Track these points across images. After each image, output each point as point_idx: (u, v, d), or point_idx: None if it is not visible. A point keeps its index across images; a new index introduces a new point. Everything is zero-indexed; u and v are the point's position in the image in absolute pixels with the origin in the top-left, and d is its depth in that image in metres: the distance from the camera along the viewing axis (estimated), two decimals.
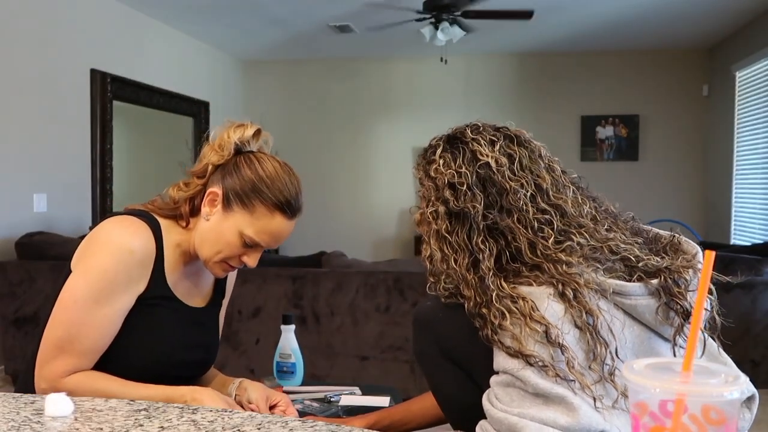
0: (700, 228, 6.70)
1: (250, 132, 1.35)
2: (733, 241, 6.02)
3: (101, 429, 0.91)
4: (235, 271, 1.56)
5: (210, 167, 1.34)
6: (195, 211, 1.35)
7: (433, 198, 1.12)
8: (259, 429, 0.91)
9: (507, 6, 5.01)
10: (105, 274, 1.24)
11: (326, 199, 7.46)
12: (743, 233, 5.87)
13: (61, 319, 1.25)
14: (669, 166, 6.93)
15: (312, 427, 0.92)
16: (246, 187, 1.30)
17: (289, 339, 1.72)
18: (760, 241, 5.07)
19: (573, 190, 1.11)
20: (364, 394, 1.64)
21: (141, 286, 1.29)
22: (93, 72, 4.77)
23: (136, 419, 0.95)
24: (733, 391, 0.56)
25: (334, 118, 7.46)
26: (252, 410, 1.35)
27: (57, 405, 0.97)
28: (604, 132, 6.99)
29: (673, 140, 6.92)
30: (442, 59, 5.93)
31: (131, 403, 1.04)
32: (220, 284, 1.50)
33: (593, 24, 5.85)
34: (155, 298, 1.31)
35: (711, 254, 0.61)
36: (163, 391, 1.23)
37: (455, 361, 1.13)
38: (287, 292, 3.48)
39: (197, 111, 6.39)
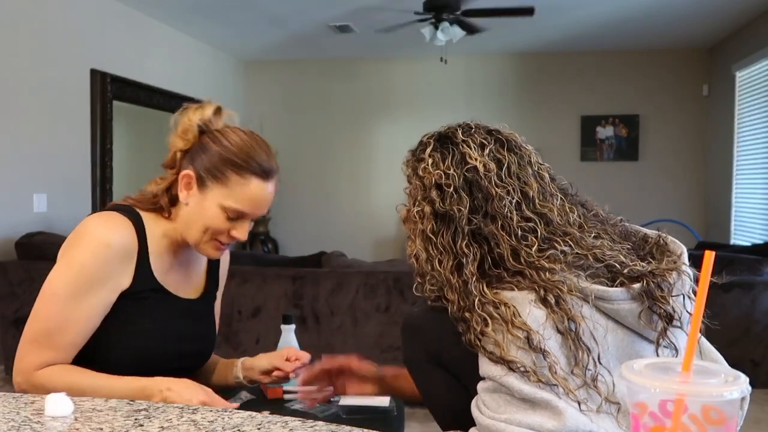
0: (700, 228, 6.70)
1: (209, 111, 1.36)
2: (733, 241, 6.02)
3: (101, 429, 0.91)
4: (227, 262, 1.56)
5: (179, 154, 1.35)
6: (174, 201, 1.36)
7: (419, 197, 1.12)
8: (259, 429, 0.91)
9: (508, 5, 5.01)
10: (82, 268, 1.25)
11: (326, 199, 7.46)
12: (743, 233, 5.87)
13: (39, 313, 1.26)
14: (669, 166, 6.93)
15: (312, 427, 0.92)
16: (215, 161, 1.30)
17: (289, 339, 1.71)
18: (760, 241, 5.07)
19: (560, 198, 1.10)
20: None
21: (125, 281, 1.29)
22: (93, 72, 4.77)
23: (136, 419, 0.95)
24: (733, 391, 0.56)
25: (334, 118, 7.46)
26: (279, 377, 1.43)
27: (57, 405, 0.97)
28: (604, 132, 6.99)
29: (673, 140, 6.91)
30: (442, 59, 5.93)
31: (131, 403, 1.04)
32: (212, 275, 1.50)
33: (593, 24, 5.85)
34: (143, 291, 1.31)
35: (711, 254, 0.61)
36: (136, 383, 1.24)
37: (444, 366, 1.13)
38: (287, 292, 3.48)
39: None
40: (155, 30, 5.71)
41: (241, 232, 1.34)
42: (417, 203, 1.12)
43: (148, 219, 1.34)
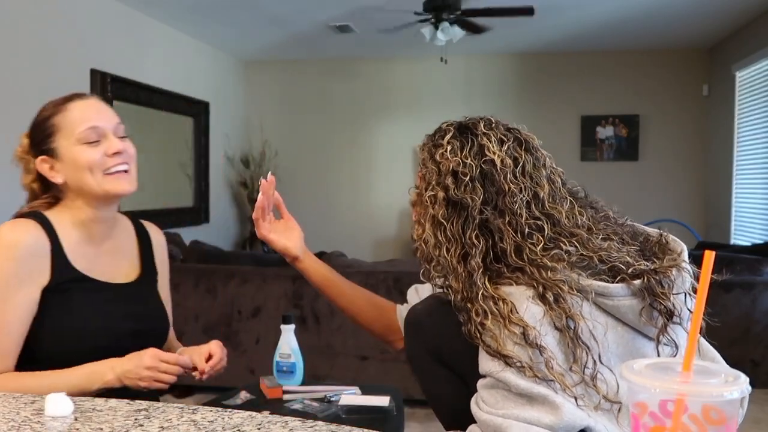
0: (700, 228, 6.70)
1: (25, 139, 1.45)
2: (733, 241, 6.02)
3: (101, 429, 0.91)
4: (162, 246, 1.58)
5: (36, 186, 1.42)
6: (58, 193, 1.40)
7: (434, 182, 1.13)
8: (259, 429, 0.91)
9: (508, 5, 5.00)
10: None
11: (326, 199, 7.46)
12: (743, 233, 5.87)
13: None
14: (669, 166, 6.93)
15: (312, 427, 0.92)
16: (42, 130, 1.38)
17: (289, 339, 1.72)
18: (760, 241, 5.07)
19: (570, 201, 1.11)
20: (364, 394, 1.64)
21: (43, 277, 1.31)
22: (93, 72, 4.77)
23: (136, 419, 0.95)
24: (733, 391, 0.56)
25: (334, 118, 7.46)
26: (195, 375, 1.39)
27: (57, 405, 0.97)
28: (604, 132, 6.99)
29: (673, 140, 6.91)
30: (442, 59, 5.93)
31: (131, 403, 1.04)
32: (146, 259, 1.52)
33: (593, 24, 5.85)
34: (64, 283, 1.33)
35: (711, 254, 0.61)
36: (85, 369, 1.28)
37: (445, 363, 1.14)
38: (287, 292, 3.48)
39: (197, 111, 6.39)
40: (155, 30, 5.71)
41: (113, 145, 1.37)
42: (431, 188, 1.13)
43: (53, 215, 1.37)
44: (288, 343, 1.71)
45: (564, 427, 0.94)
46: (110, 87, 4.89)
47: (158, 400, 1.22)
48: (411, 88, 7.32)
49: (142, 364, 1.26)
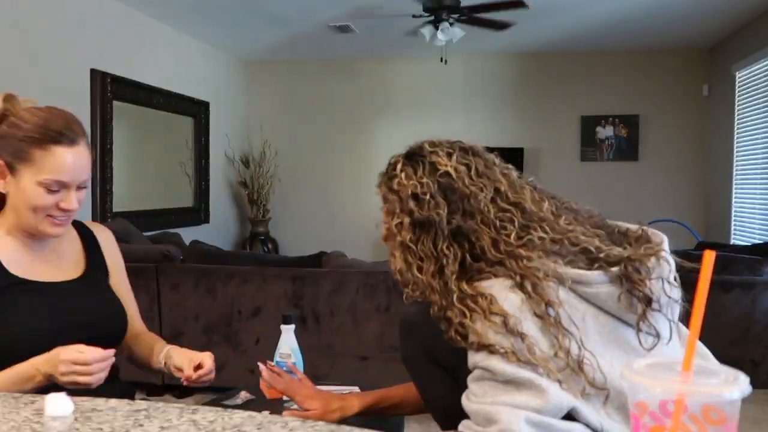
0: (700, 228, 6.70)
1: None
2: (733, 241, 6.02)
3: (101, 429, 0.91)
4: (109, 240, 1.58)
5: None
6: (1, 197, 1.39)
7: (398, 210, 1.15)
8: (259, 429, 0.91)
9: (507, 8, 5.00)
10: None
11: (326, 199, 7.46)
12: (743, 233, 5.87)
13: None
14: (669, 166, 6.93)
15: (312, 427, 0.92)
16: (17, 144, 1.33)
17: (289, 339, 1.72)
18: (760, 241, 5.07)
19: (530, 189, 1.15)
20: None
21: None
22: (93, 72, 4.77)
23: (136, 419, 0.95)
24: (733, 391, 0.56)
25: (334, 118, 7.46)
26: (181, 376, 1.41)
27: (57, 405, 0.97)
28: (604, 132, 6.99)
29: (673, 140, 6.91)
30: (442, 59, 5.93)
31: (131, 403, 1.04)
32: (92, 255, 1.53)
33: (593, 24, 5.85)
34: (1, 289, 1.34)
35: (711, 254, 0.61)
36: (10, 373, 1.28)
37: (440, 364, 1.15)
38: (287, 292, 3.48)
39: (197, 111, 6.39)
40: (155, 30, 5.71)
41: (69, 202, 1.36)
42: (396, 216, 1.16)
43: None
44: (288, 343, 1.71)
45: (551, 409, 0.95)
46: (110, 87, 4.89)
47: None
48: (411, 88, 7.32)
49: (57, 363, 1.25)
